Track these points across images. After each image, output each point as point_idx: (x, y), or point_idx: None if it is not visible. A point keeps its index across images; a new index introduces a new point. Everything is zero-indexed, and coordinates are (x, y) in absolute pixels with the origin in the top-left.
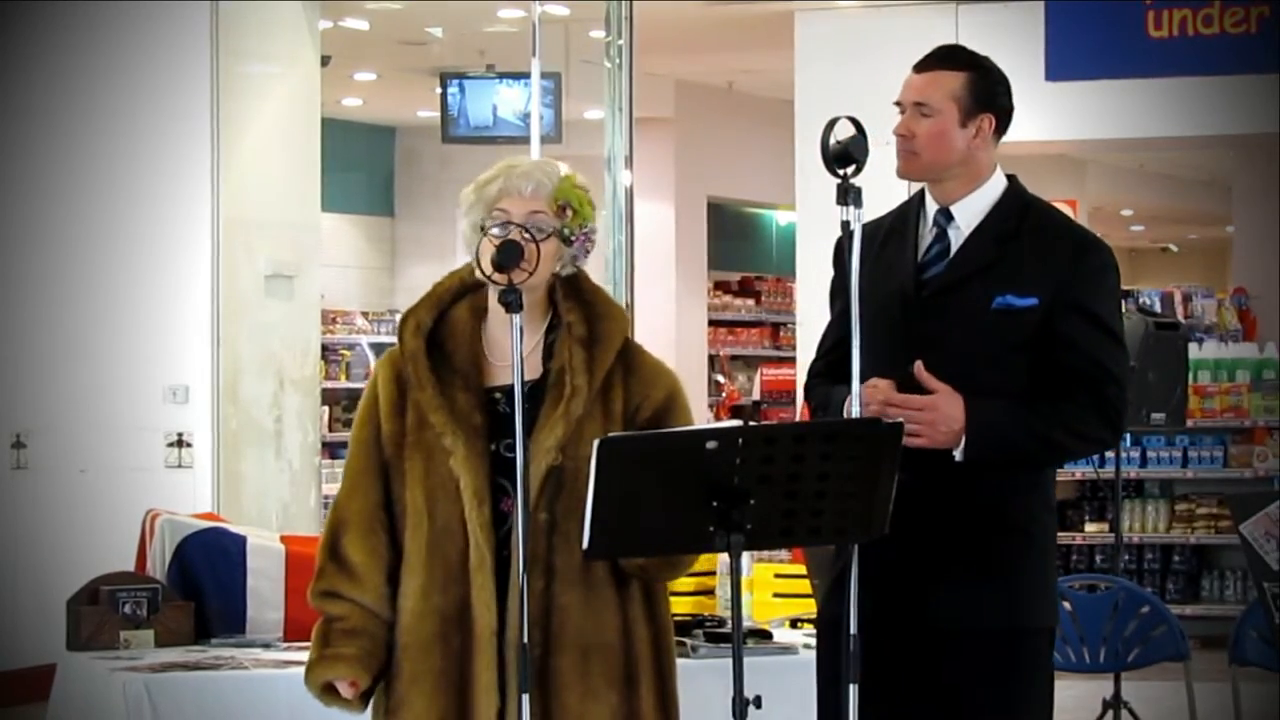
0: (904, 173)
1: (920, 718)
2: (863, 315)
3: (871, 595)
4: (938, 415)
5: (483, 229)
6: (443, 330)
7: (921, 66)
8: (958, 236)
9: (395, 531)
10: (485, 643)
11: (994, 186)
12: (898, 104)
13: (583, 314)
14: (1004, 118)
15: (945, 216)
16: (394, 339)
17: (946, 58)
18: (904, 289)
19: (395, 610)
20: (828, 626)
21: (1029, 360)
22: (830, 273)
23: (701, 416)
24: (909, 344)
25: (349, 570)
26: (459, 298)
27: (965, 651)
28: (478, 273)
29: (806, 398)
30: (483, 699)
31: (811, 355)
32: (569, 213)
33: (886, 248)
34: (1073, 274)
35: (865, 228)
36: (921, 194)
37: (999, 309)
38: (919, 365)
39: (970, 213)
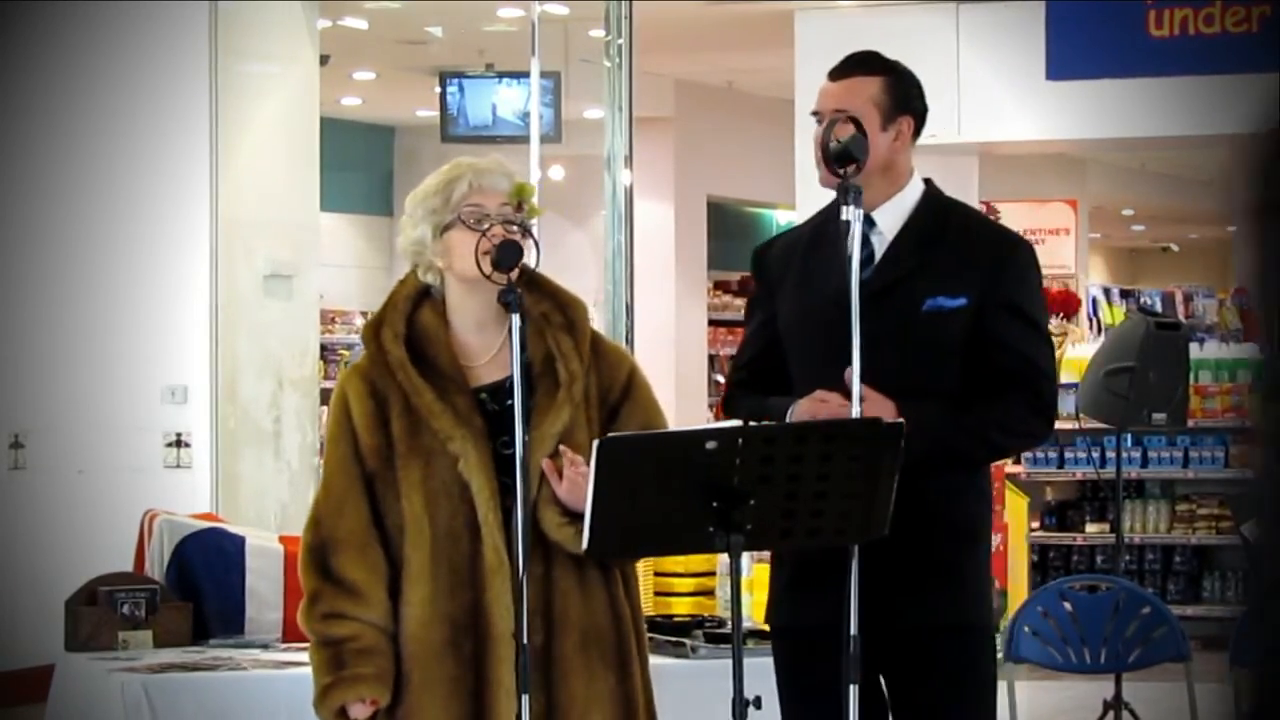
0: (827, 182)
1: (874, 716)
2: (794, 325)
3: (829, 599)
4: None
5: (465, 224)
6: (416, 337)
7: (838, 74)
8: (881, 242)
9: (387, 544)
10: (504, 646)
11: (913, 190)
12: (815, 114)
13: (553, 303)
14: (920, 120)
15: (868, 223)
16: None
17: (863, 63)
18: (835, 296)
19: (397, 621)
20: (786, 636)
21: (962, 360)
22: None
23: (701, 417)
24: (843, 350)
25: (350, 589)
26: (417, 305)
27: (911, 650)
28: (476, 272)
29: (727, 411)
30: (504, 702)
31: None
32: (524, 207)
33: (809, 258)
34: (999, 273)
35: (783, 240)
36: (837, 202)
37: (930, 310)
38: (848, 372)
39: (892, 217)
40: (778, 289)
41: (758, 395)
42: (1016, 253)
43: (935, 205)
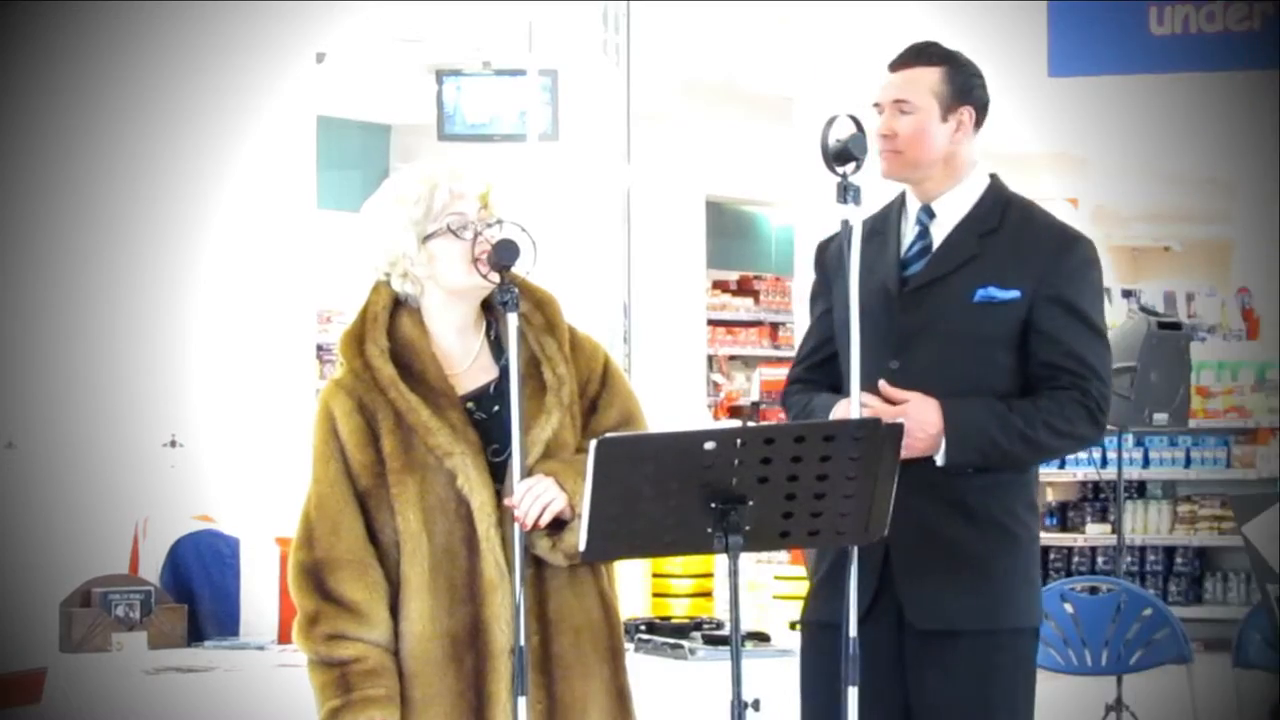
0: (888, 173)
1: (897, 717)
2: (843, 315)
3: (859, 597)
4: (910, 424)
5: (452, 232)
6: (399, 350)
7: (897, 65)
8: (940, 233)
9: (382, 561)
10: (505, 661)
11: (976, 183)
12: (876, 105)
13: (530, 302)
14: (982, 110)
15: (927, 214)
16: None
17: (922, 53)
18: (886, 286)
19: (396, 638)
20: (815, 630)
21: (1012, 357)
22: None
23: (700, 417)
24: (891, 340)
25: (352, 610)
26: (393, 315)
27: (944, 649)
28: (472, 277)
29: (784, 405)
30: (500, 718)
31: None
32: (488, 206)
33: (867, 247)
34: (1055, 268)
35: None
36: (903, 195)
37: (981, 302)
38: (882, 383)
39: (952, 209)
40: (834, 281)
41: (809, 393)
42: (1073, 249)
43: (998, 199)
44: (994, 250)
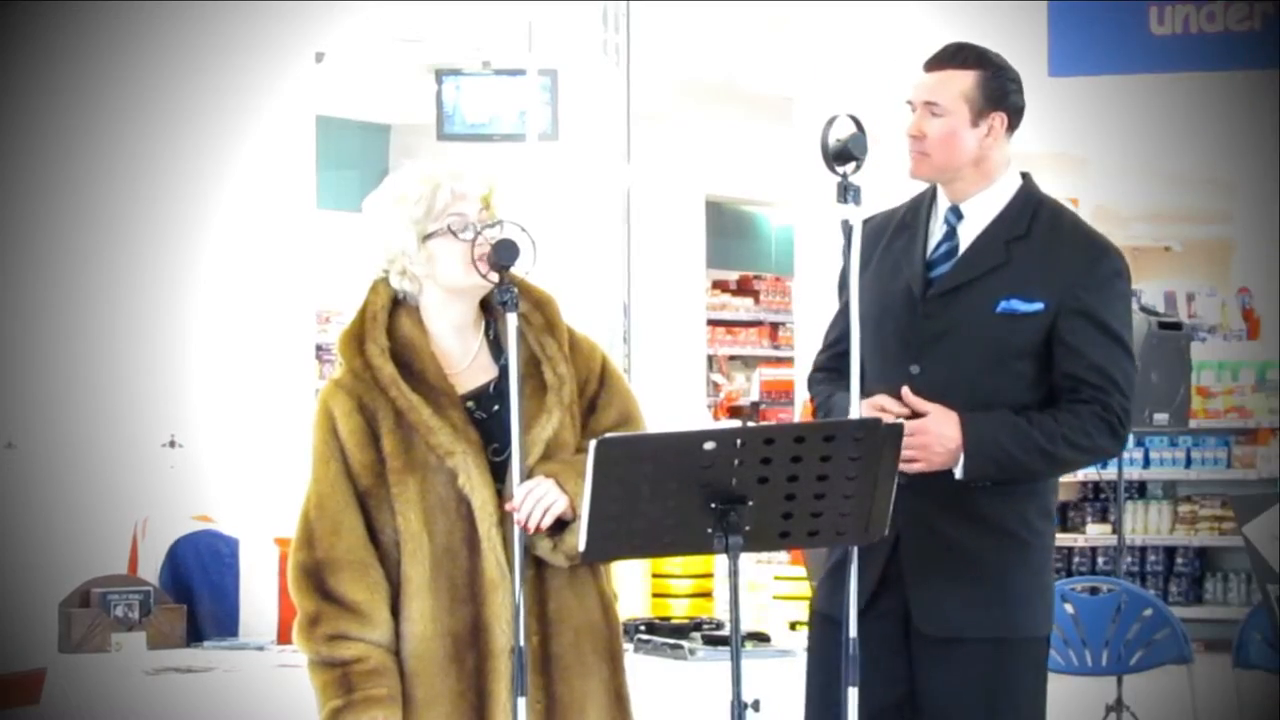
0: (916, 174)
1: (899, 713)
2: (867, 311)
3: (863, 590)
4: (930, 438)
5: (452, 233)
6: (399, 349)
7: (931, 65)
8: (967, 236)
9: (382, 561)
10: (505, 660)
11: (1007, 185)
12: (908, 103)
13: (529, 302)
14: (1015, 115)
15: (956, 215)
16: None
17: (955, 55)
18: (910, 286)
19: (397, 638)
20: (819, 621)
21: (1034, 368)
22: (838, 263)
23: (699, 417)
24: (912, 343)
25: (353, 610)
26: (391, 315)
27: (951, 658)
28: (471, 277)
29: (809, 391)
30: (501, 718)
31: (810, 355)
32: (490, 207)
33: (895, 242)
34: (1081, 279)
35: (875, 220)
36: (935, 189)
37: (1003, 313)
38: (906, 390)
39: (981, 211)
40: (863, 270)
41: (831, 384)
42: (1101, 260)
43: (1028, 203)
44: (1021, 258)
